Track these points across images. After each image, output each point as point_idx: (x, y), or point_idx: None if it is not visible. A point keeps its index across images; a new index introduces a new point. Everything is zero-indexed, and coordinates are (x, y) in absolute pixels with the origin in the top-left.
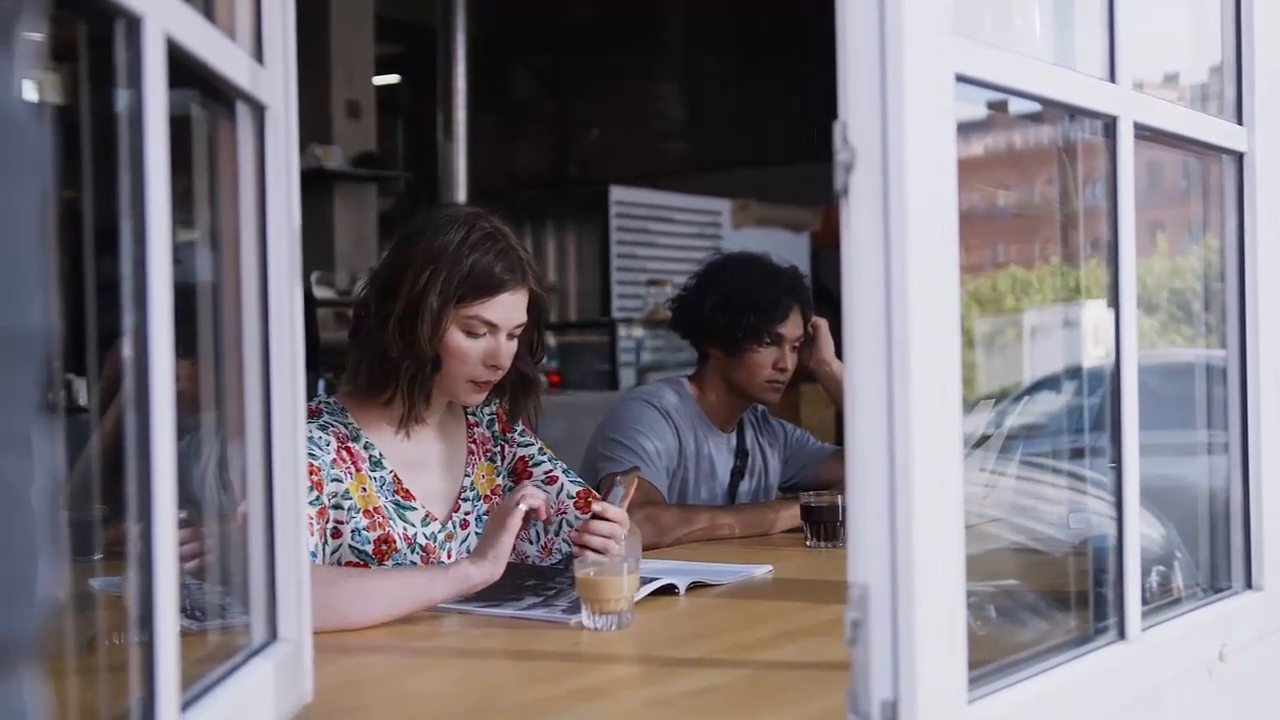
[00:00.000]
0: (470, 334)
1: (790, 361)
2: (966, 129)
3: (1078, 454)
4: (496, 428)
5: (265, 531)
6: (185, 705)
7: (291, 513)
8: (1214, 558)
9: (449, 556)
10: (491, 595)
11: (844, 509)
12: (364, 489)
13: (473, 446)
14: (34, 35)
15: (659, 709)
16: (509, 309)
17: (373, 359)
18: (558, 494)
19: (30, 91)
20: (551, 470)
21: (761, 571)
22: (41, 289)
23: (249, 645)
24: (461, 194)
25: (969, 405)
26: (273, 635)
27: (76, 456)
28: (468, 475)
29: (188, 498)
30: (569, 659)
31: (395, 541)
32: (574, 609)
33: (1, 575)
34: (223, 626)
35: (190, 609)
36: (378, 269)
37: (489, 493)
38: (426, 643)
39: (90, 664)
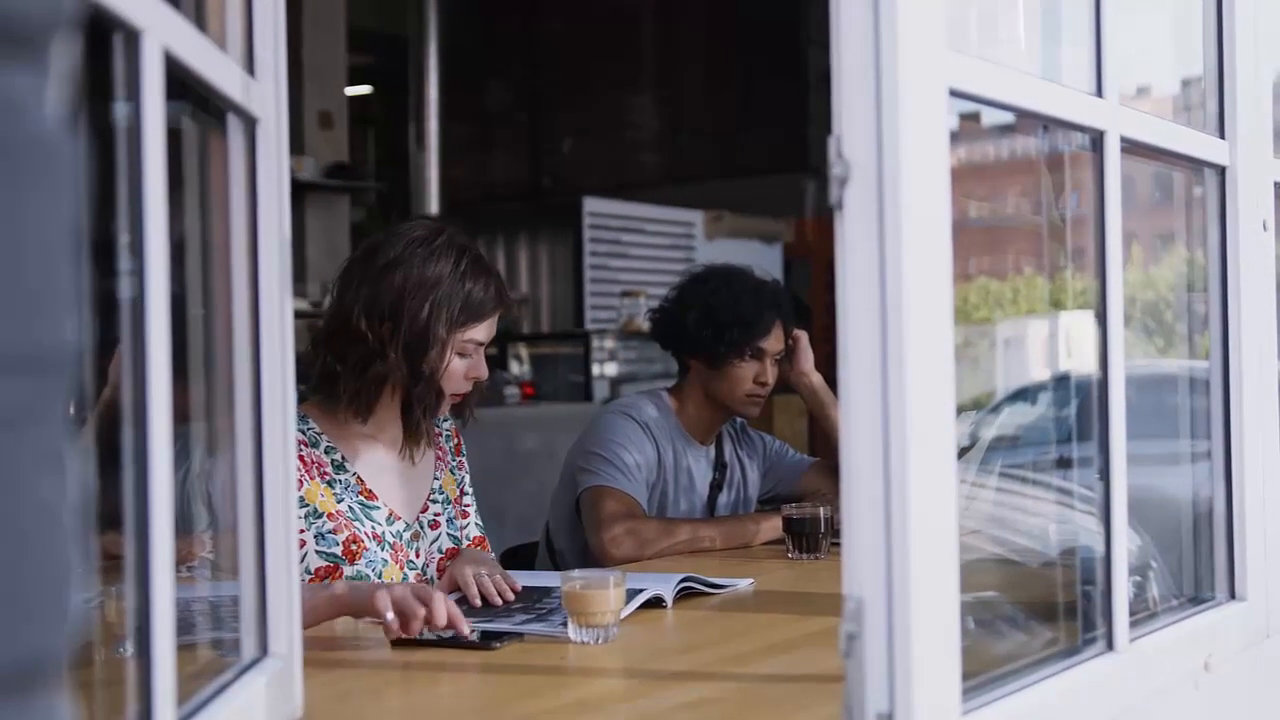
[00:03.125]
0: (461, 355)
1: (771, 376)
2: None
3: (1058, 465)
4: (452, 445)
5: (256, 547)
6: None
7: (282, 528)
8: (1198, 568)
9: (418, 555)
10: (482, 614)
11: (826, 521)
12: (322, 494)
13: (439, 454)
14: (66, 52)
15: None
16: (493, 326)
17: (373, 385)
18: (462, 529)
19: (63, 108)
20: (469, 506)
21: (745, 584)
22: (74, 307)
23: (240, 661)
24: (434, 205)
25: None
26: (263, 651)
27: None
28: (436, 478)
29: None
30: (557, 673)
31: (364, 540)
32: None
33: (38, 594)
34: (212, 641)
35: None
36: (364, 295)
37: (455, 499)
38: (415, 657)
39: (78, 678)
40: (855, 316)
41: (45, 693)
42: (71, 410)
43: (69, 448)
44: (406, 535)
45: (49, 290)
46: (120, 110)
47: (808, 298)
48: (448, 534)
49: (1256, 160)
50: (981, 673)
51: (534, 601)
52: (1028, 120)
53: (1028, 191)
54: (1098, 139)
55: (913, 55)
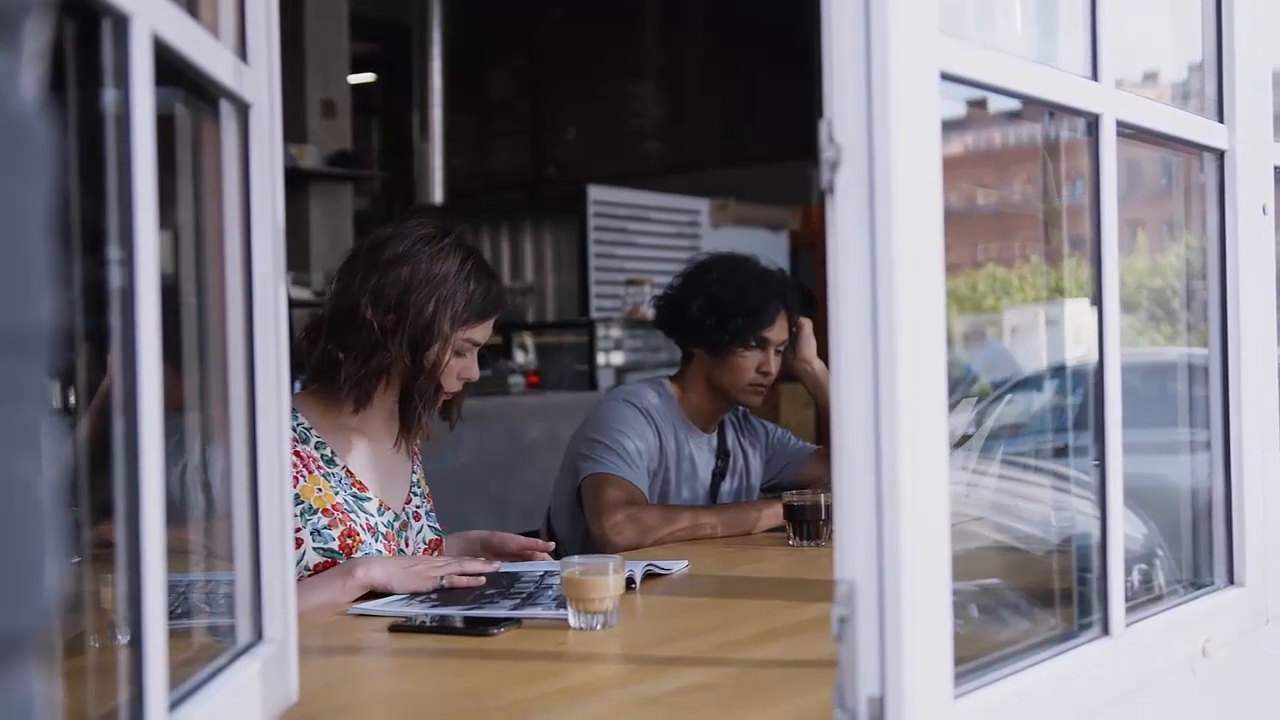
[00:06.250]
0: (458, 354)
1: (774, 365)
2: (946, 127)
3: (1059, 453)
4: (418, 444)
5: (250, 533)
6: (173, 705)
7: (276, 514)
8: (1196, 554)
9: (406, 545)
10: (467, 602)
11: (826, 508)
12: (319, 489)
13: (415, 450)
14: (40, 33)
15: (647, 707)
16: (490, 329)
17: (373, 375)
18: (418, 533)
19: (37, 89)
20: (428, 506)
21: (679, 567)
22: (49, 287)
23: (235, 646)
24: (438, 194)
25: (950, 404)
26: (258, 636)
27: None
28: (414, 472)
29: (169, 499)
30: (554, 658)
31: (359, 534)
32: (564, 604)
33: (12, 571)
34: (208, 626)
35: (173, 609)
36: (370, 286)
37: (428, 493)
38: (411, 643)
39: (73, 665)
40: (846, 300)
41: (19, 668)
42: (73, 399)
43: (46, 426)
44: (396, 525)
45: (23, 270)
46: (109, 97)
47: (814, 286)
48: (429, 526)
49: (1256, 144)
50: (977, 657)
51: (508, 587)
52: (1032, 106)
53: (1035, 178)
54: (1093, 123)
55: (903, 38)
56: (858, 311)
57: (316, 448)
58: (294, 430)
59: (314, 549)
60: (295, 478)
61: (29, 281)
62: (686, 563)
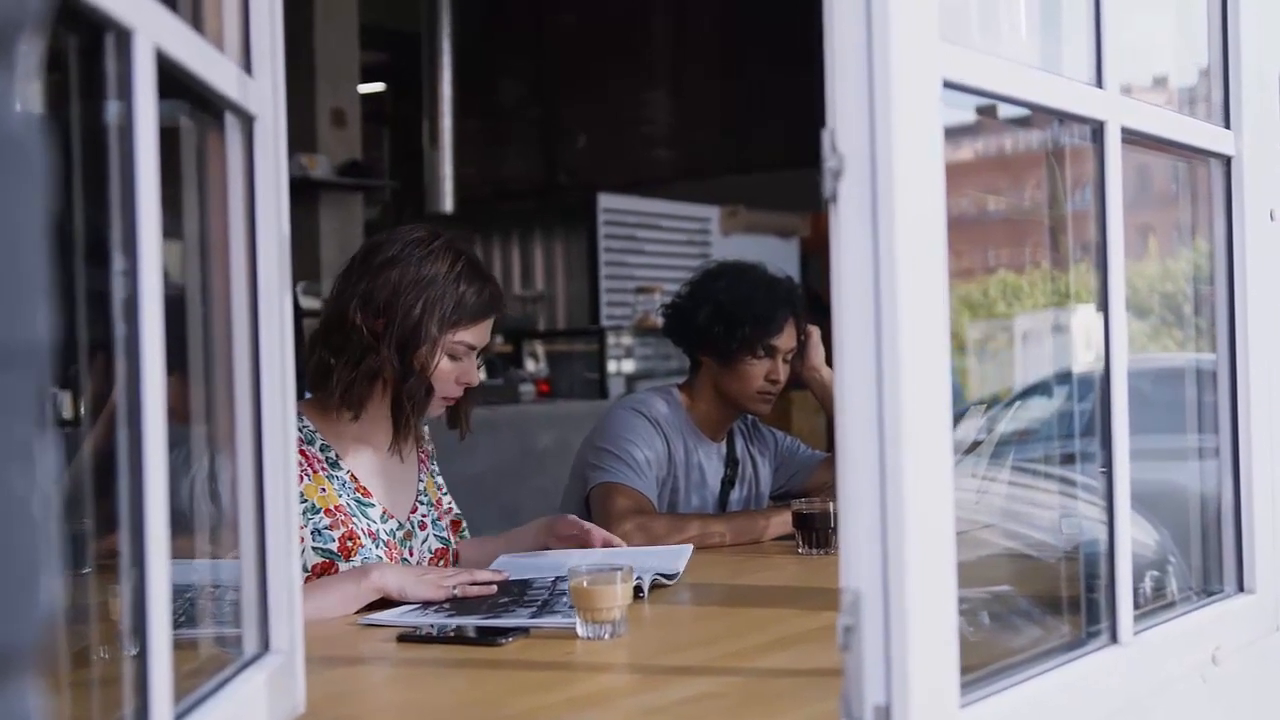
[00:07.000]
0: (452, 357)
1: (782, 373)
2: (955, 133)
3: (1069, 459)
4: (431, 450)
5: (257, 543)
6: (178, 717)
7: (283, 524)
8: (1206, 561)
9: (410, 554)
10: (481, 611)
11: (835, 516)
12: (323, 489)
13: (423, 457)
14: (34, 50)
15: (654, 716)
16: (487, 332)
17: (365, 379)
18: (423, 543)
19: (31, 105)
20: (451, 505)
21: (685, 553)
22: (45, 301)
23: (241, 657)
24: (448, 203)
25: (960, 411)
26: (265, 647)
27: (64, 469)
28: (420, 481)
29: (177, 511)
30: (563, 668)
31: (360, 537)
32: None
33: (7, 586)
34: (215, 637)
35: (178, 617)
36: (360, 290)
37: (435, 502)
38: (419, 654)
39: (82, 676)
40: (850, 309)
41: (15, 682)
42: (82, 411)
43: (42, 441)
44: (399, 534)
45: (18, 286)
46: (113, 109)
47: (824, 293)
48: (434, 535)
49: (1263, 149)
50: (984, 665)
51: (520, 595)
52: (1039, 112)
53: (1046, 184)
54: (1098, 130)
55: (905, 47)
56: (861, 320)
57: (322, 450)
58: (300, 431)
59: (313, 548)
60: (299, 476)
61: (24, 297)
62: (690, 546)
